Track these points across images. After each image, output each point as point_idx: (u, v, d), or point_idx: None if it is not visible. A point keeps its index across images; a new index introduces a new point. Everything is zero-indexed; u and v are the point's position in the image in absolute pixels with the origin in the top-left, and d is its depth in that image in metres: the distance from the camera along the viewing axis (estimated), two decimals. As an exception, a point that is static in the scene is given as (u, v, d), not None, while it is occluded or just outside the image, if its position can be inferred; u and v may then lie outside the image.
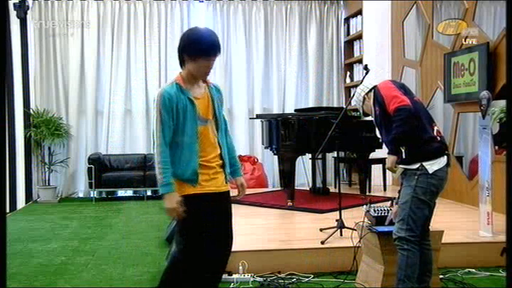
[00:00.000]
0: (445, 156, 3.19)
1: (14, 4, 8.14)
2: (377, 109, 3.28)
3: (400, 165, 3.21)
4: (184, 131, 2.76)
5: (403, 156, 3.19)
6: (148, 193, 8.61)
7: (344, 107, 6.35)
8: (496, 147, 5.68)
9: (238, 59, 9.15)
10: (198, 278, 2.84)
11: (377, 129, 3.48)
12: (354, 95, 3.57)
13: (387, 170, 3.31)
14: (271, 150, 6.98)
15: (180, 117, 2.75)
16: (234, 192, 3.00)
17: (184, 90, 2.80)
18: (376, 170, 7.68)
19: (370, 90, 3.38)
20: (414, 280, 3.12)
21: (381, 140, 3.43)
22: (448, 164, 3.21)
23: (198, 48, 2.81)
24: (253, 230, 5.23)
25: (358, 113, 3.82)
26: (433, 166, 3.12)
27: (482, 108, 4.66)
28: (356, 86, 4.06)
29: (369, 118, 3.62)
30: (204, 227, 2.79)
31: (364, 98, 3.43)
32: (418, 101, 3.29)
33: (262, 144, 7.55)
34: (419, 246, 3.14)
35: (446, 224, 4.55)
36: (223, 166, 2.89)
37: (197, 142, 2.78)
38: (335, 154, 7.00)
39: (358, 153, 7.36)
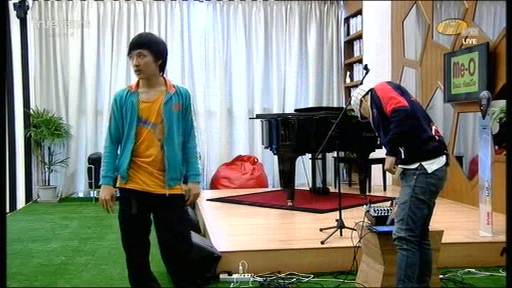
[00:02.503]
0: (444, 156, 3.19)
1: (14, 4, 8.13)
2: (374, 111, 3.29)
3: (399, 166, 3.21)
4: (124, 131, 2.99)
5: (402, 157, 3.18)
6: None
7: (344, 107, 6.35)
8: (496, 147, 5.68)
9: (238, 59, 9.15)
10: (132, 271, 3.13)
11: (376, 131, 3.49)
12: (351, 98, 3.59)
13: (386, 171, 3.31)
14: (271, 150, 6.98)
15: (125, 118, 2.99)
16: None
17: (132, 93, 3.00)
18: (376, 170, 7.68)
19: (367, 93, 3.39)
20: (414, 280, 3.12)
21: (379, 142, 3.42)
22: (447, 164, 3.21)
23: (127, 51, 3.03)
24: (253, 230, 5.23)
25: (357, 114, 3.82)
26: (432, 166, 3.12)
27: (482, 108, 4.66)
28: (356, 86, 4.08)
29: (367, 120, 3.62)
30: (127, 219, 3.06)
31: (361, 101, 3.43)
32: (415, 101, 3.30)
33: (262, 144, 7.55)
34: (419, 246, 3.14)
35: (446, 224, 4.55)
36: (164, 170, 2.97)
37: (133, 142, 2.96)
38: (335, 154, 6.99)
39: (358, 153, 7.36)
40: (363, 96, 3.42)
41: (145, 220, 3.09)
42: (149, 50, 2.93)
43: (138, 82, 3.03)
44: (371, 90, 3.36)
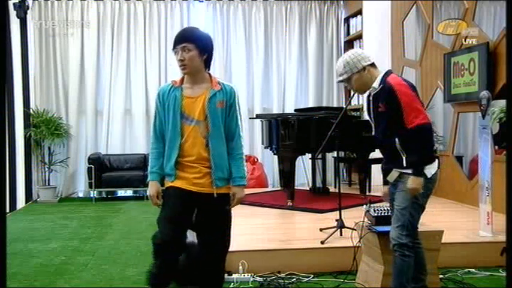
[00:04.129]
0: (437, 159, 3.14)
1: (14, 4, 8.14)
2: (382, 105, 3.07)
3: (396, 169, 3.11)
4: (168, 127, 2.91)
5: (404, 162, 3.06)
6: (148, 193, 8.60)
7: (344, 107, 6.35)
8: (496, 147, 5.68)
9: (238, 59, 9.16)
10: (162, 269, 2.89)
11: (368, 120, 3.32)
12: (346, 60, 3.16)
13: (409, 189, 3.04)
14: (271, 150, 6.98)
15: (166, 114, 2.93)
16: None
17: (176, 88, 2.94)
18: (376, 169, 7.66)
19: (373, 66, 3.15)
20: (411, 281, 3.13)
21: (374, 128, 3.24)
22: (439, 166, 3.15)
23: (172, 45, 2.95)
24: (253, 229, 5.23)
25: (358, 113, 3.78)
26: (431, 170, 3.06)
27: (482, 108, 4.66)
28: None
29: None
30: (169, 215, 2.90)
31: (364, 68, 3.13)
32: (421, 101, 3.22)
33: (262, 144, 7.55)
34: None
35: (446, 224, 4.56)
36: (211, 169, 2.90)
37: (179, 139, 2.88)
38: (335, 154, 6.99)
39: (358, 153, 7.36)
40: (368, 65, 3.14)
41: (188, 220, 2.94)
42: (194, 44, 2.85)
43: (182, 77, 2.96)
44: (385, 79, 3.08)
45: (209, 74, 2.99)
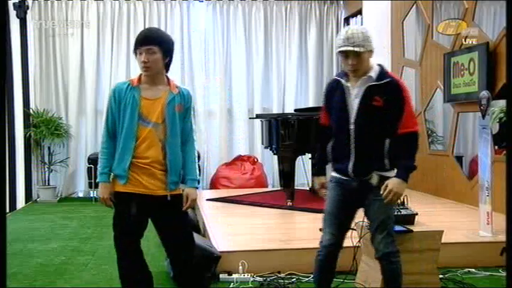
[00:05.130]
0: None
1: (14, 4, 8.14)
2: (380, 100, 2.82)
3: (377, 172, 2.89)
4: (123, 128, 2.85)
5: (387, 164, 2.89)
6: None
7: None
8: (496, 147, 5.68)
9: (238, 59, 9.15)
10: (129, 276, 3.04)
11: (352, 112, 2.87)
12: (365, 34, 2.86)
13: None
14: (271, 150, 6.98)
15: (121, 113, 2.86)
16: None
17: (134, 88, 2.88)
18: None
19: (371, 53, 2.87)
20: None
21: (351, 122, 2.85)
22: None
23: (134, 44, 2.90)
24: (253, 229, 5.23)
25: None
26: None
27: (482, 108, 4.66)
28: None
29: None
30: (124, 225, 2.93)
31: (372, 51, 2.87)
32: None
33: (262, 144, 7.54)
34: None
35: (446, 224, 4.56)
36: (165, 171, 2.88)
37: (133, 141, 2.84)
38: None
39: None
40: (371, 50, 2.87)
41: (143, 224, 2.97)
42: (159, 46, 2.82)
43: (139, 77, 2.92)
44: (387, 72, 2.92)
45: (167, 77, 2.97)
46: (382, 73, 2.90)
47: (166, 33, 3.04)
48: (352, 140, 2.87)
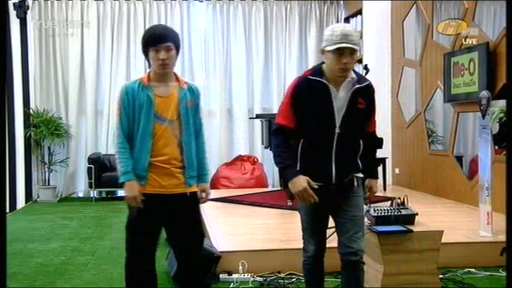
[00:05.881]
0: None
1: (14, 4, 8.14)
2: (363, 102, 2.77)
3: (355, 174, 2.83)
4: (139, 127, 2.81)
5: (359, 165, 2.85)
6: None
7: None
8: (496, 147, 5.67)
9: (238, 59, 9.16)
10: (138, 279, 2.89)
11: (337, 114, 2.74)
12: (357, 32, 2.86)
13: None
14: (271, 150, 6.98)
15: (136, 113, 2.81)
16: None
17: (146, 87, 2.84)
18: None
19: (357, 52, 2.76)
20: None
21: (338, 126, 2.72)
22: None
23: (145, 42, 2.87)
24: (253, 229, 5.23)
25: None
26: None
27: (482, 108, 4.66)
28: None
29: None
30: (142, 227, 2.84)
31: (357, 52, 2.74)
32: None
33: (262, 144, 7.56)
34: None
35: (446, 224, 4.56)
36: (183, 169, 2.87)
37: (150, 140, 2.81)
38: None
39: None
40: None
41: (159, 226, 2.90)
42: (174, 43, 2.81)
43: (149, 75, 2.88)
44: (361, 74, 2.89)
45: (174, 73, 2.95)
46: (359, 75, 2.84)
47: (173, 29, 3.01)
48: (335, 144, 2.74)
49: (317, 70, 2.84)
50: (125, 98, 2.84)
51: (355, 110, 2.75)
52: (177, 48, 2.85)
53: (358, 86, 2.75)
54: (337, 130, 2.73)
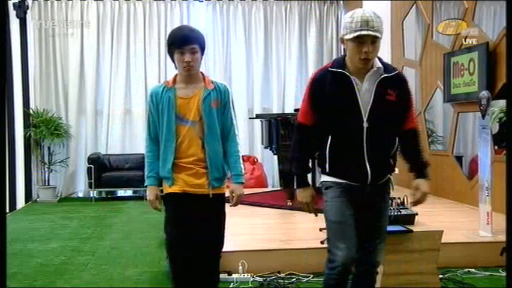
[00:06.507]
0: None
1: (14, 4, 8.15)
2: (393, 94, 2.52)
3: (389, 174, 2.67)
4: (163, 130, 2.87)
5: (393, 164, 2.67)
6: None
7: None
8: (496, 147, 5.68)
9: (238, 59, 9.16)
10: (177, 274, 2.93)
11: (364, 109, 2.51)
12: (381, 19, 2.52)
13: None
14: (271, 150, 6.99)
15: (161, 116, 2.88)
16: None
17: (170, 89, 2.88)
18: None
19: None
20: None
21: (365, 120, 2.49)
22: None
23: (170, 43, 2.88)
24: (252, 229, 5.23)
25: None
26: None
27: (481, 108, 4.66)
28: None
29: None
30: (173, 225, 2.88)
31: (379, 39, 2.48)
32: None
33: (262, 144, 7.55)
34: None
35: (446, 224, 4.57)
36: (207, 169, 2.88)
37: (174, 141, 2.85)
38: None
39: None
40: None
41: (192, 221, 2.90)
42: (199, 45, 2.82)
43: (175, 77, 2.91)
44: (390, 65, 2.63)
45: (202, 73, 2.95)
46: (387, 65, 2.59)
47: (199, 31, 3.00)
48: (365, 140, 2.50)
49: (338, 61, 2.57)
50: (150, 102, 2.91)
51: (384, 103, 2.49)
52: (202, 50, 2.86)
53: (385, 75, 2.51)
54: (365, 125, 2.49)
